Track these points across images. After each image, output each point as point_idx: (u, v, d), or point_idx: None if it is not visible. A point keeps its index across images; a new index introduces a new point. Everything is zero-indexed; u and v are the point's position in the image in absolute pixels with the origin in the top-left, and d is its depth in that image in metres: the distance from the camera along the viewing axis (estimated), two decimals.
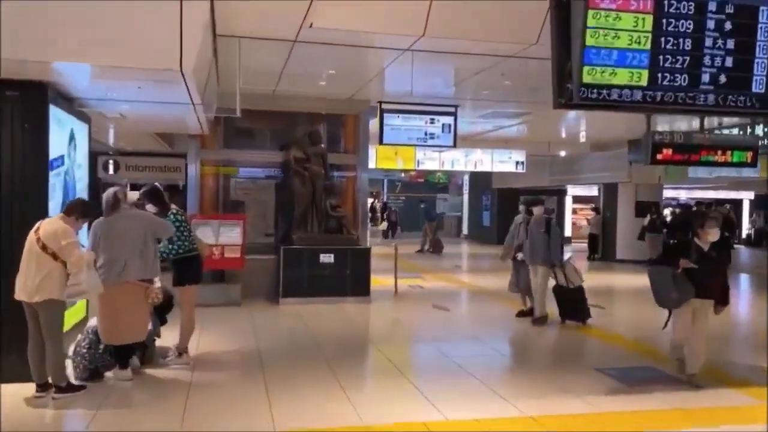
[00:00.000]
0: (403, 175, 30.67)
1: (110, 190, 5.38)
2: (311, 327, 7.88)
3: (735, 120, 12.37)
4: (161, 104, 6.52)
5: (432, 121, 10.57)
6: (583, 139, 13.75)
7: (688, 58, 4.80)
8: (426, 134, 10.57)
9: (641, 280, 14.82)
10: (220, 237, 9.06)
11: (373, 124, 10.54)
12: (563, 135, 15.40)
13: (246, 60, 7.43)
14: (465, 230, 27.27)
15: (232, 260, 9.09)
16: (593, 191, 22.79)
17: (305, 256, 9.33)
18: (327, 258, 9.39)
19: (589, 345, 7.57)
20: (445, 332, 7.95)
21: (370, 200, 40.30)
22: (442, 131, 10.62)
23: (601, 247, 17.68)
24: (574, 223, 24.43)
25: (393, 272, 11.03)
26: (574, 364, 6.70)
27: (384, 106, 10.27)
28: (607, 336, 7.85)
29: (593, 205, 19.15)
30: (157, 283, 5.59)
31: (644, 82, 4.75)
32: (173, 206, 5.98)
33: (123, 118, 7.54)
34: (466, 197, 27.45)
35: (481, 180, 24.17)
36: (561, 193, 23.88)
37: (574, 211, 24.69)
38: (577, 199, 24.53)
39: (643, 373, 6.06)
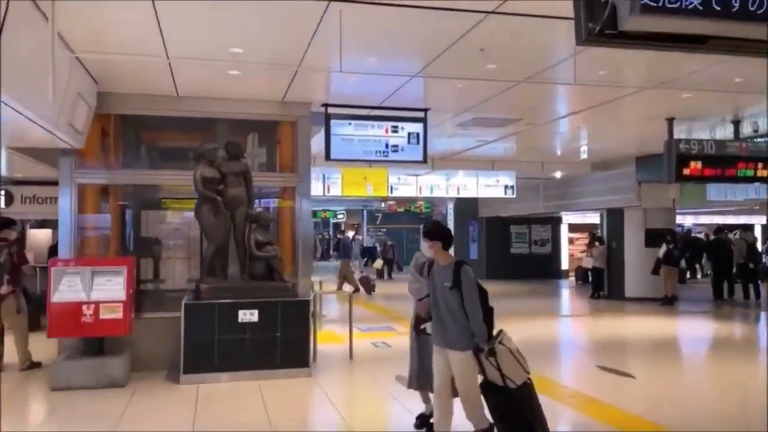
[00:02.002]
0: (383, 204, 28.27)
1: None
2: (205, 428, 5.23)
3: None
4: None
5: (395, 129, 8.15)
6: (584, 155, 11.40)
7: None
8: (387, 147, 8.14)
9: (664, 324, 12.58)
10: (93, 291, 6.45)
11: (319, 134, 8.09)
12: (559, 152, 13.01)
13: (100, 25, 4.97)
14: None
15: (110, 323, 6.46)
16: (592, 218, 20.39)
17: (217, 314, 6.72)
18: (248, 315, 6.78)
19: None
20: None
21: (351, 233, 37.98)
22: (408, 142, 8.19)
23: (607, 284, 15.15)
24: (571, 255, 21.93)
25: (366, 322, 8.43)
26: None
27: (330, 110, 7.86)
28: None
29: (595, 234, 16.69)
30: None
31: None
32: None
33: None
34: (451, 227, 24.89)
35: (466, 208, 21.74)
36: (555, 221, 21.46)
37: (571, 241, 22.20)
38: (574, 228, 22.08)
39: None
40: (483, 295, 4.41)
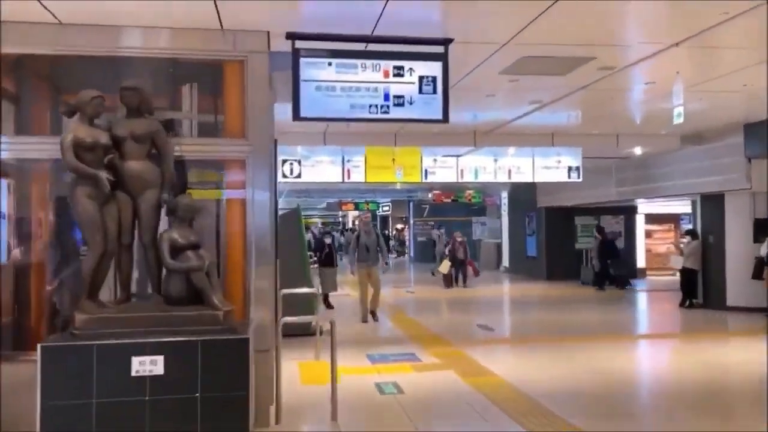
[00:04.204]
0: (430, 195, 25.53)
1: None
2: None
3: None
4: None
5: (399, 72, 5.41)
6: (679, 118, 8.32)
7: None
8: (388, 98, 5.42)
9: None
10: None
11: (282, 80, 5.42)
12: (638, 120, 9.93)
13: None
14: (506, 262, 21.66)
15: None
16: (675, 206, 17.06)
17: (97, 362, 4.15)
18: (148, 364, 4.16)
19: None
20: None
21: (399, 226, 35.22)
22: (421, 91, 5.44)
23: (702, 289, 11.95)
24: (648, 251, 18.60)
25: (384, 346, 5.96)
26: None
27: (299, 43, 5.18)
28: None
29: (687, 227, 13.50)
30: None
31: None
32: None
33: None
34: (505, 219, 21.90)
35: (523, 196, 18.73)
36: (629, 211, 18.11)
37: (648, 235, 18.84)
38: (651, 219, 18.72)
39: None
40: None
